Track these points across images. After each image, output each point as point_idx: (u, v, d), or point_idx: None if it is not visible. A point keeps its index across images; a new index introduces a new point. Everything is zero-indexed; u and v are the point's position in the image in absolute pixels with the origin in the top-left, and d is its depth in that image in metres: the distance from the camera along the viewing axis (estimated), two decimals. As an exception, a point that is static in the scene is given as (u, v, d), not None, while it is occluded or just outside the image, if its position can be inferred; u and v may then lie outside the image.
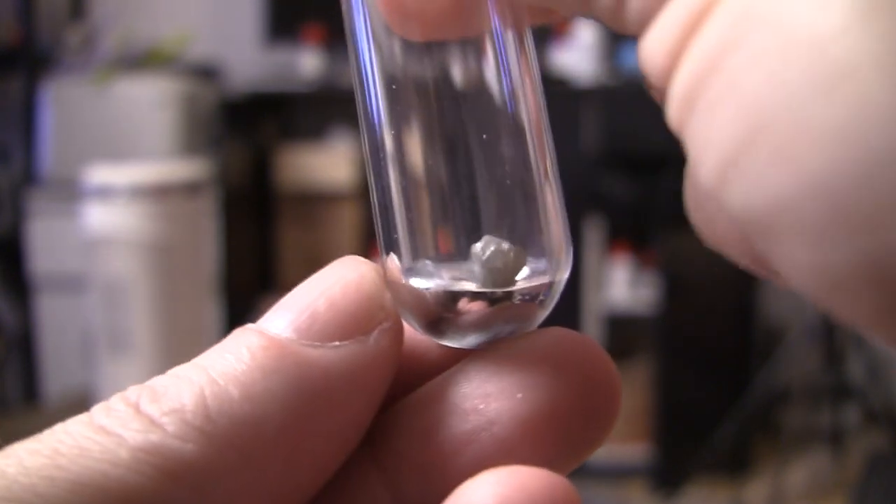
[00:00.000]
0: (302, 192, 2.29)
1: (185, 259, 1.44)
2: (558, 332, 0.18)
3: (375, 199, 0.18)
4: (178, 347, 1.39)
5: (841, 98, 0.12)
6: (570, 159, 1.87)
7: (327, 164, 2.28)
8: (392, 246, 0.18)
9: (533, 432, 0.17)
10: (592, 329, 2.13)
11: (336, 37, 2.31)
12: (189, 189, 1.42)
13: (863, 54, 0.12)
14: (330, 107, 2.40)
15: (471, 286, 0.17)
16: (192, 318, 1.51)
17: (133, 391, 0.16)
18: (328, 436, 0.16)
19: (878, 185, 0.11)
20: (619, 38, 2.21)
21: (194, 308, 1.49)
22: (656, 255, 2.10)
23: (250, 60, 2.40)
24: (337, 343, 0.16)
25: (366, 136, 0.18)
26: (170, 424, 0.15)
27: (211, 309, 1.63)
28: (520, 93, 0.18)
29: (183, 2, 2.47)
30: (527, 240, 0.17)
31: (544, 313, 0.18)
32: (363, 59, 0.18)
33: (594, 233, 2.13)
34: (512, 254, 0.17)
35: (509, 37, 0.18)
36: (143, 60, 2.18)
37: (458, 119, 0.17)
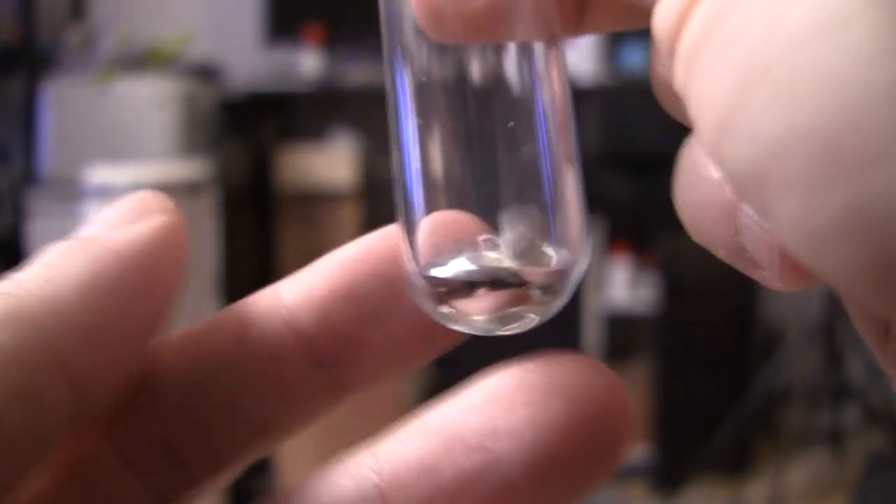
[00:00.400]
0: (302, 192, 2.29)
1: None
2: (574, 361, 0.17)
3: (400, 185, 0.18)
4: (178, 347, 1.39)
5: (838, 43, 0.12)
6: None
7: (327, 164, 2.28)
8: (412, 230, 0.18)
9: (539, 472, 0.17)
10: (592, 329, 2.13)
11: (336, 37, 2.31)
12: (189, 189, 1.42)
13: (860, 3, 0.12)
14: (330, 107, 2.40)
15: (486, 272, 0.17)
16: (192, 318, 1.51)
17: None
18: (123, 317, 0.17)
19: (867, 126, 0.12)
20: (620, 38, 2.21)
21: (194, 307, 1.49)
22: (656, 255, 2.10)
23: (250, 60, 2.40)
24: (124, 227, 0.18)
25: (395, 124, 0.18)
26: None
27: (211, 309, 1.63)
28: (548, 93, 0.18)
29: (183, 2, 2.47)
30: (546, 230, 0.18)
31: (559, 303, 0.18)
32: (395, 51, 0.18)
33: (594, 233, 2.13)
34: (530, 231, 0.17)
35: (542, 43, 0.18)
36: (143, 60, 2.18)
37: (485, 113, 0.18)
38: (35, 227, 2.00)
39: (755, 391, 1.84)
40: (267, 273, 2.33)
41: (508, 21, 0.18)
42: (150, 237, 0.18)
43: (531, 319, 0.18)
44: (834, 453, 2.00)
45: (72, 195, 1.69)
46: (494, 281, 0.17)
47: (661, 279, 2.05)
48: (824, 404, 2.01)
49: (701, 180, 0.17)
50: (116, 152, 1.86)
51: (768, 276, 0.17)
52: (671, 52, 0.15)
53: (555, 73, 0.18)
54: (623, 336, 2.15)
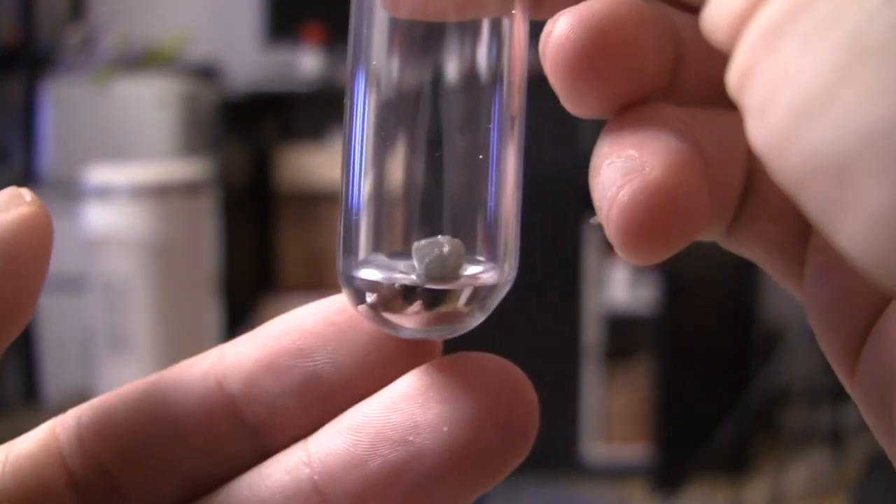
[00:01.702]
0: (302, 192, 2.29)
1: (185, 259, 1.44)
2: (484, 360, 0.19)
3: (343, 194, 0.18)
4: (178, 347, 1.39)
5: None
6: (569, 159, 1.86)
7: (327, 164, 2.28)
8: (350, 231, 0.18)
9: (459, 462, 0.18)
10: (592, 329, 2.13)
11: (336, 37, 2.31)
12: (189, 189, 1.42)
13: None
14: (330, 107, 2.40)
15: (410, 279, 0.18)
16: (192, 318, 1.51)
17: None
18: None
19: None
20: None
21: (194, 308, 1.49)
22: (656, 255, 2.09)
23: (250, 60, 2.40)
24: None
25: (346, 128, 0.18)
26: None
27: (211, 309, 1.63)
28: (503, 94, 0.18)
29: (183, 2, 2.47)
30: (477, 243, 0.18)
31: (482, 316, 0.19)
32: (355, 53, 0.18)
33: (594, 233, 2.13)
34: (447, 248, 0.18)
35: (504, 28, 0.18)
36: (142, 60, 2.18)
37: (433, 119, 0.18)
38: (35, 227, 2.00)
39: (755, 391, 1.84)
40: (267, 273, 2.33)
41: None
42: (14, 224, 0.18)
43: (454, 329, 0.19)
44: (834, 453, 2.00)
45: (72, 195, 1.69)
46: (417, 289, 0.18)
47: (661, 279, 2.05)
48: (824, 404, 2.01)
49: (593, 155, 0.18)
50: (116, 152, 1.86)
51: (611, 242, 0.17)
52: (732, 38, 0.14)
53: (514, 82, 0.18)
54: (623, 336, 2.15)
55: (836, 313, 0.18)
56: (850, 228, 0.12)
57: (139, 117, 2.03)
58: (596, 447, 2.12)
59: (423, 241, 0.18)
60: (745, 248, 0.20)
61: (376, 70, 0.18)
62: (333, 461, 0.19)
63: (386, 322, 0.18)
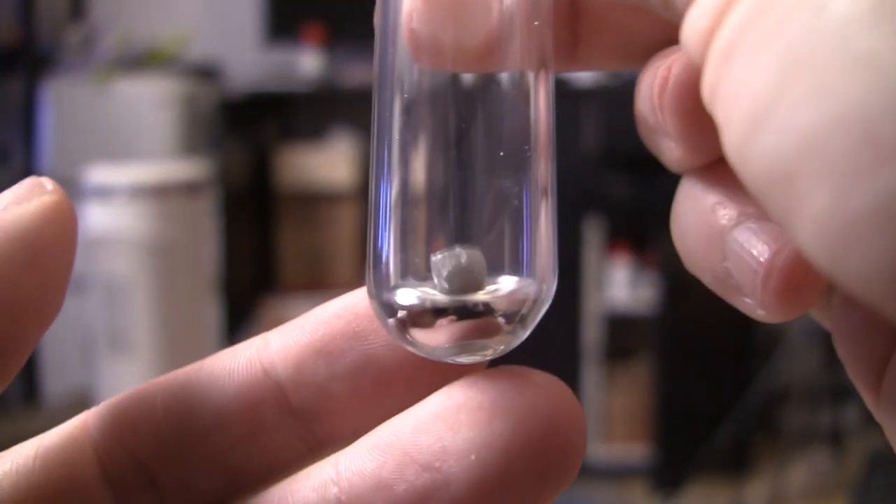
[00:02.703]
0: (302, 192, 2.29)
1: (185, 259, 1.44)
2: (528, 376, 0.18)
3: (373, 207, 0.18)
4: (178, 347, 1.39)
5: (888, 30, 0.12)
6: (570, 159, 1.86)
7: (327, 164, 2.28)
8: (379, 253, 0.18)
9: (485, 493, 0.17)
10: (592, 329, 2.13)
11: (336, 37, 2.31)
12: (189, 189, 1.42)
13: None
14: (330, 107, 2.40)
15: (442, 298, 0.17)
16: (192, 318, 1.51)
17: None
18: (10, 292, 0.17)
19: None
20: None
21: (194, 308, 1.49)
22: (656, 255, 2.10)
23: (250, 60, 2.40)
24: (11, 206, 0.18)
25: (375, 148, 0.18)
26: None
27: (211, 309, 1.63)
28: (537, 126, 0.18)
29: (183, 2, 2.47)
30: (514, 260, 0.18)
31: (521, 334, 0.18)
32: (385, 73, 0.18)
33: (594, 233, 2.13)
34: (464, 259, 0.17)
35: (532, 73, 0.18)
36: (142, 60, 2.18)
37: (469, 140, 0.18)
38: (35, 227, 2.00)
39: (755, 391, 1.84)
40: (267, 273, 2.33)
41: (503, 52, 0.18)
42: (36, 214, 0.18)
43: (495, 350, 0.18)
44: (834, 453, 2.00)
45: (72, 195, 1.68)
46: (459, 309, 0.17)
47: (661, 279, 2.05)
48: (824, 404, 2.01)
49: (695, 208, 0.17)
50: (116, 152, 1.86)
51: (751, 304, 0.17)
52: (702, 59, 0.15)
53: (542, 104, 0.18)
54: (623, 336, 2.15)
55: (860, 341, 0.18)
56: (801, 232, 0.13)
57: (139, 117, 2.03)
58: (596, 447, 2.12)
59: (440, 254, 0.17)
60: None
61: (404, 102, 0.18)
62: (360, 482, 0.18)
63: (420, 344, 0.18)
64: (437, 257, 0.17)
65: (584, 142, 2.07)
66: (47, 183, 0.19)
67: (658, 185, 2.00)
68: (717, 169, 0.18)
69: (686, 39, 0.15)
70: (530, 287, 0.18)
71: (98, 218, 1.38)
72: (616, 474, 2.09)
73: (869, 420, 2.08)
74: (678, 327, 2.04)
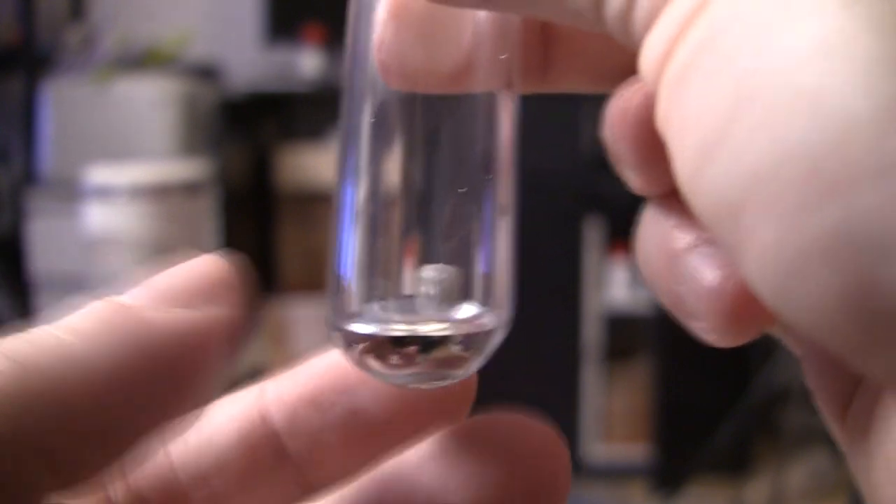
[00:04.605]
0: (302, 192, 2.29)
1: (185, 259, 1.44)
2: (515, 420, 0.19)
3: (334, 232, 0.18)
4: (178, 347, 1.39)
5: (833, 66, 0.12)
6: (569, 159, 1.86)
7: (327, 164, 2.28)
8: (339, 280, 0.18)
9: None
10: (592, 329, 2.13)
11: (336, 37, 2.31)
12: (189, 189, 1.42)
13: (848, 30, 0.12)
14: (330, 107, 2.39)
15: (403, 329, 0.18)
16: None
17: None
18: (154, 396, 0.16)
19: (856, 147, 0.12)
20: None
21: (194, 308, 1.49)
22: (656, 255, 2.10)
23: (250, 60, 2.40)
24: (174, 309, 0.16)
25: (338, 172, 0.18)
26: None
27: (211, 309, 1.63)
28: (499, 148, 0.18)
29: (182, 2, 2.47)
30: (473, 287, 0.18)
31: (480, 360, 0.18)
32: (353, 90, 0.18)
33: (594, 233, 2.13)
34: (446, 275, 0.18)
35: (503, 95, 0.18)
36: (142, 60, 2.18)
37: (431, 164, 0.18)
38: (35, 226, 2.00)
39: (755, 391, 1.84)
40: (267, 273, 2.33)
41: (470, 76, 0.18)
42: (200, 333, 0.16)
43: (454, 377, 0.18)
44: (834, 453, 2.00)
45: (72, 195, 1.69)
46: (417, 339, 0.18)
47: (661, 279, 2.05)
48: (824, 404, 2.00)
49: (655, 232, 0.18)
50: (116, 152, 1.86)
51: (703, 328, 0.17)
52: (656, 86, 0.15)
53: (505, 124, 0.18)
54: (623, 336, 2.15)
55: (827, 372, 0.18)
56: (748, 266, 0.13)
57: (139, 117, 2.03)
58: (596, 447, 2.12)
59: (429, 268, 0.18)
60: None
61: (369, 122, 0.18)
62: None
63: (379, 372, 0.18)
64: (427, 272, 0.18)
65: (584, 142, 2.07)
66: (226, 276, 0.17)
67: (658, 185, 2.00)
68: (677, 195, 0.18)
69: (642, 67, 0.15)
70: (488, 315, 0.18)
71: (98, 218, 1.38)
72: (616, 474, 2.09)
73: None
74: (678, 327, 2.01)
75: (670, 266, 0.17)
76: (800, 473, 1.94)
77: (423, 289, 0.18)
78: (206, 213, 1.44)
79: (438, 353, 0.18)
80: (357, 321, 0.18)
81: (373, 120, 0.18)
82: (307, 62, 2.34)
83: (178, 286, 0.17)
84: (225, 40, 2.41)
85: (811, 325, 0.13)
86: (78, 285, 1.66)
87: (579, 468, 2.11)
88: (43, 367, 0.14)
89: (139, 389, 0.15)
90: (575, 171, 1.97)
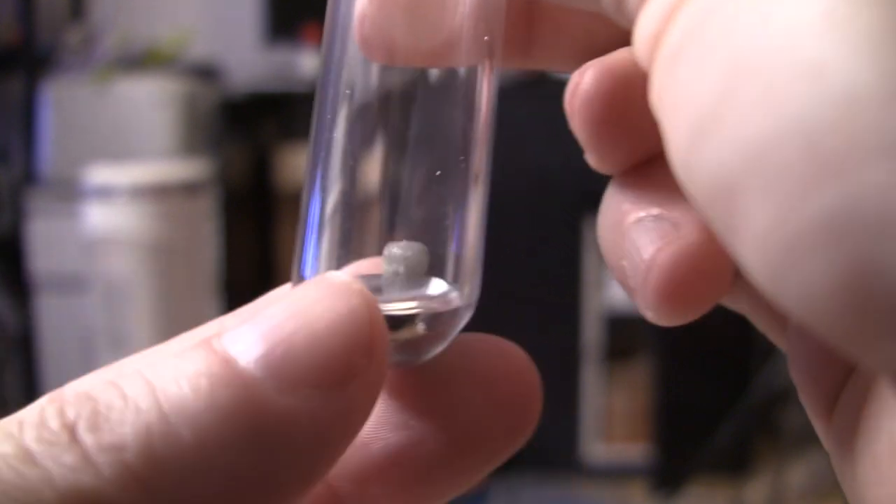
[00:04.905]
0: (302, 191, 2.28)
1: (185, 259, 1.44)
2: (486, 343, 0.18)
3: (303, 216, 0.18)
4: (178, 347, 1.39)
5: (834, 39, 0.12)
6: (569, 159, 1.86)
7: (327, 164, 2.28)
8: (306, 263, 0.18)
9: (461, 447, 0.18)
10: (592, 329, 2.13)
11: (336, 37, 2.31)
12: (189, 189, 1.42)
13: (852, 2, 0.12)
14: (330, 107, 2.40)
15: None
16: (191, 318, 1.51)
17: (72, 405, 0.14)
18: (280, 485, 0.14)
19: (855, 123, 0.11)
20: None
21: (194, 308, 1.49)
22: (656, 255, 2.10)
23: (250, 60, 2.40)
24: (308, 391, 0.14)
25: (313, 143, 0.18)
26: (107, 466, 0.13)
27: (211, 309, 1.63)
28: (476, 125, 0.18)
29: (183, 2, 2.47)
30: (441, 263, 0.18)
31: (445, 341, 0.18)
32: (330, 66, 0.18)
33: (594, 233, 2.13)
34: (411, 252, 0.17)
35: (484, 70, 0.18)
36: (142, 60, 2.18)
37: (409, 138, 0.18)
38: (35, 227, 2.00)
39: (755, 391, 1.84)
40: (267, 273, 2.33)
41: (453, 49, 0.18)
42: (323, 426, 0.14)
43: (420, 355, 0.18)
44: (834, 453, 2.00)
45: (72, 195, 1.69)
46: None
47: (661, 279, 2.05)
48: (824, 404, 2.00)
49: (609, 207, 0.17)
50: (116, 152, 1.86)
51: (640, 304, 0.17)
52: (650, 64, 0.14)
53: (485, 96, 0.18)
54: (623, 336, 2.15)
55: (814, 367, 0.17)
56: (743, 250, 0.12)
57: (139, 117, 2.03)
58: (596, 447, 2.12)
59: (395, 245, 0.17)
60: (732, 302, 0.20)
61: (348, 97, 0.18)
62: None
63: None
64: (393, 248, 0.17)
65: (584, 142, 2.07)
66: (368, 337, 0.15)
67: (658, 185, 2.00)
68: (635, 173, 0.18)
69: (636, 45, 0.15)
70: (455, 293, 0.18)
71: (98, 218, 1.38)
72: (616, 474, 2.09)
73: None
74: (678, 327, 2.03)
75: (617, 241, 0.17)
76: (800, 473, 1.94)
77: (389, 266, 0.17)
78: (206, 213, 1.44)
79: (404, 333, 0.17)
80: None
81: (348, 91, 0.18)
82: (307, 62, 2.34)
83: (306, 351, 0.14)
84: (225, 40, 2.41)
85: (808, 312, 0.12)
86: (78, 285, 1.66)
87: (579, 468, 2.11)
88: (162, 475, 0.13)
89: (256, 479, 0.14)
90: (575, 171, 1.97)
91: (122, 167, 1.45)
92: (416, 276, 0.17)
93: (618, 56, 0.17)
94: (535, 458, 2.29)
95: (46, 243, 1.96)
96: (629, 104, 0.17)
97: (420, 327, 0.17)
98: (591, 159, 0.18)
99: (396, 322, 0.17)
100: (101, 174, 1.41)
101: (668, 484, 1.97)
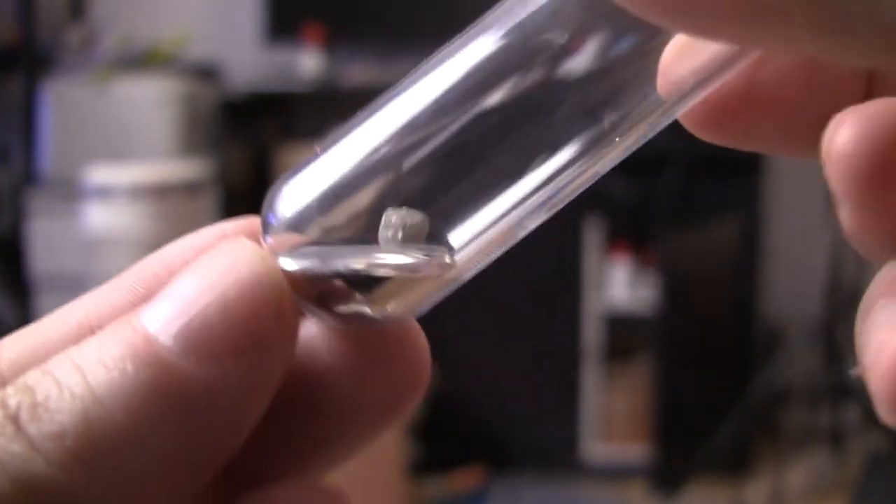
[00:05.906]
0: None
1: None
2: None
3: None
4: (178, 347, 1.39)
5: None
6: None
7: (327, 164, 2.28)
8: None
9: (355, 414, 0.17)
10: (592, 329, 2.13)
11: (336, 37, 2.31)
12: (189, 189, 1.42)
13: None
14: (330, 107, 2.40)
15: (334, 266, 0.16)
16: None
17: (12, 396, 0.15)
18: (206, 453, 0.15)
19: None
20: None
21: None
22: (656, 255, 2.10)
23: (250, 60, 2.40)
24: (225, 359, 0.15)
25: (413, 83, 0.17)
26: (51, 453, 0.14)
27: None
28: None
29: (183, 2, 2.47)
30: (436, 237, 0.16)
31: (412, 306, 0.17)
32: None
33: (594, 233, 2.13)
34: (410, 220, 0.16)
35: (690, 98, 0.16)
36: (142, 60, 2.18)
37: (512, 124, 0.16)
38: (35, 226, 2.00)
39: (755, 391, 1.84)
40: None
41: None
42: (236, 393, 0.15)
43: (384, 317, 0.17)
44: (834, 453, 2.00)
45: (72, 195, 1.69)
46: (347, 276, 0.16)
47: (660, 279, 2.05)
48: (824, 404, 2.00)
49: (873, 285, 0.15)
50: (116, 152, 1.86)
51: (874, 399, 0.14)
52: None
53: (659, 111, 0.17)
54: (623, 336, 2.15)
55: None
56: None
57: (139, 117, 2.03)
58: (596, 447, 2.12)
59: (392, 212, 0.16)
60: None
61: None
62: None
63: (309, 308, 0.17)
64: (393, 215, 0.16)
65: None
66: (282, 308, 0.15)
67: (658, 185, 2.00)
68: None
69: None
70: (432, 263, 0.16)
71: (98, 218, 1.38)
72: (616, 474, 2.09)
73: (869, 420, 2.09)
74: (678, 327, 2.04)
75: (863, 318, 0.14)
76: (800, 473, 1.94)
77: (386, 232, 0.16)
78: (206, 213, 1.44)
79: (373, 294, 0.16)
80: (290, 255, 0.16)
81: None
82: (307, 62, 2.34)
83: (219, 322, 0.15)
84: (225, 40, 2.41)
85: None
86: (78, 285, 1.66)
87: (579, 468, 2.11)
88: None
89: (185, 449, 0.15)
90: (575, 171, 1.97)
91: (122, 167, 1.45)
92: (410, 246, 0.16)
93: (878, 106, 0.14)
94: (535, 457, 2.29)
95: (46, 243, 1.96)
96: None
97: (356, 294, 0.16)
98: (858, 229, 0.15)
99: (359, 281, 0.16)
100: (101, 174, 1.41)
101: (668, 484, 1.97)
